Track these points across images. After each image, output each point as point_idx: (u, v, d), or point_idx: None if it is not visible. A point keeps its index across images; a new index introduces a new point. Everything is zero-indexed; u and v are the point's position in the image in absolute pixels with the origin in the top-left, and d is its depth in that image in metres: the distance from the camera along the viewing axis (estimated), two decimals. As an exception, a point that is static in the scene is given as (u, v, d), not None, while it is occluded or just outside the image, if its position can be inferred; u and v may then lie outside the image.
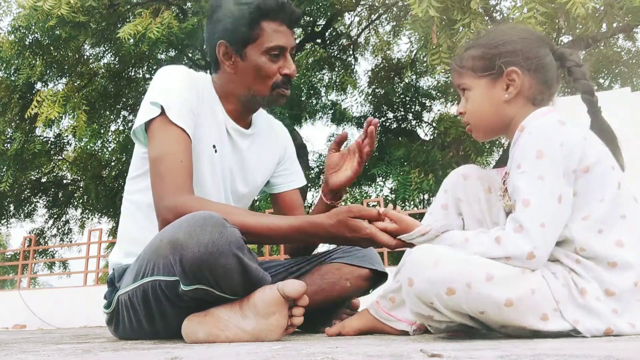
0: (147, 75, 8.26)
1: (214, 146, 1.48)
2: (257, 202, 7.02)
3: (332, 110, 8.87)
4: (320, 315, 1.57)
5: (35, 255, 9.11)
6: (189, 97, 1.42)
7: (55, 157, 9.90)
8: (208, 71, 1.74)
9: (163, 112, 1.36)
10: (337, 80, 8.47)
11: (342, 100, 9.15)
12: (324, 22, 8.21)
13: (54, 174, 10.59)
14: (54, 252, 10.98)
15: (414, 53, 8.29)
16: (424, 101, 9.00)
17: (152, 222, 1.34)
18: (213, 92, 1.53)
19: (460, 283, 0.94)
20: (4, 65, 7.22)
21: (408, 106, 9.07)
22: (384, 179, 8.70)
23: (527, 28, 1.24)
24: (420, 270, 0.98)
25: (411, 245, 1.14)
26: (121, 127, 8.98)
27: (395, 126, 9.22)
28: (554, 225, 0.98)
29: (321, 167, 9.58)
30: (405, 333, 1.30)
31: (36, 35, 6.81)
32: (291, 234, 1.29)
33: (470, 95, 1.18)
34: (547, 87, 1.14)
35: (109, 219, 10.51)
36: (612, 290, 0.97)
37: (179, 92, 1.41)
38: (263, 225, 1.28)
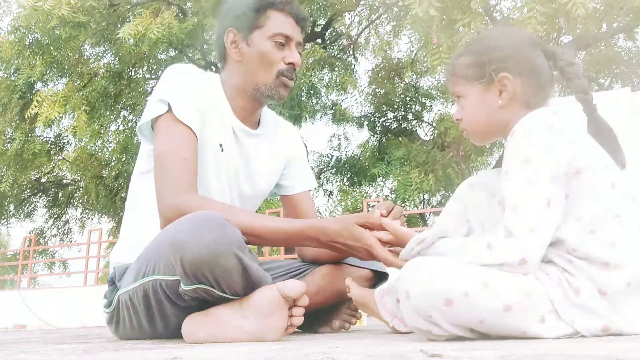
0: (147, 76, 8.26)
1: (220, 145, 1.48)
2: (257, 202, 7.01)
3: (332, 110, 8.88)
4: (321, 316, 1.57)
5: (35, 255, 9.10)
6: (197, 96, 1.42)
7: (55, 157, 9.91)
8: (211, 69, 1.73)
9: (170, 110, 1.36)
10: (337, 80, 8.47)
11: (342, 100, 9.17)
12: (324, 22, 8.22)
13: (54, 174, 10.60)
14: (54, 252, 10.98)
15: (414, 53, 8.30)
16: (424, 101, 9.00)
17: (156, 221, 1.34)
18: (221, 91, 1.53)
19: (457, 292, 0.94)
20: (4, 65, 7.23)
21: (408, 106, 9.08)
22: (384, 179, 8.70)
23: (517, 31, 1.24)
24: (416, 283, 0.98)
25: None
26: (121, 127, 8.98)
27: (395, 126, 9.23)
28: (544, 230, 0.98)
29: (321, 167, 9.59)
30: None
31: (36, 35, 6.81)
32: (292, 237, 1.29)
33: (465, 103, 1.19)
34: (540, 89, 1.14)
35: (109, 219, 10.51)
36: (604, 290, 0.97)
37: (186, 90, 1.41)
38: (264, 226, 1.28)
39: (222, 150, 1.48)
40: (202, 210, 1.18)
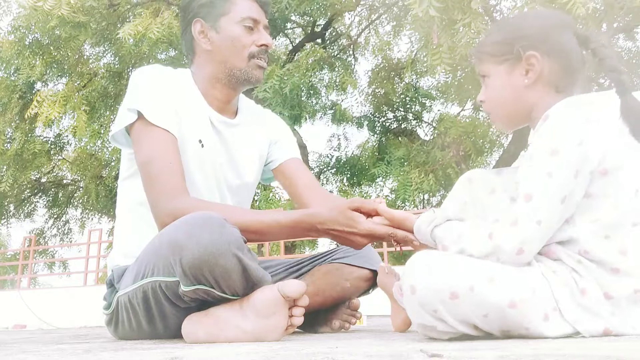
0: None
1: (200, 141, 1.47)
2: (257, 203, 7.02)
3: (332, 110, 8.87)
4: (320, 315, 1.57)
5: (35, 255, 9.10)
6: (168, 96, 1.42)
7: (55, 157, 9.91)
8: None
9: (143, 116, 1.35)
10: (337, 80, 8.46)
11: (342, 100, 9.16)
12: (324, 22, 8.21)
13: (54, 174, 10.59)
14: (54, 252, 10.99)
15: (414, 53, 8.29)
16: (424, 101, 8.99)
17: (147, 222, 1.34)
18: (194, 85, 1.52)
19: (462, 287, 0.94)
20: (4, 65, 7.22)
21: (408, 106, 9.07)
22: (384, 179, 8.70)
23: (550, 12, 1.19)
24: (422, 278, 0.97)
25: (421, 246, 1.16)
26: (121, 127, 8.96)
27: (395, 126, 9.22)
28: (551, 225, 0.97)
29: (321, 167, 9.59)
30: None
31: (36, 35, 6.81)
32: (290, 228, 1.29)
33: (489, 82, 1.15)
34: (569, 72, 1.09)
35: (109, 219, 10.51)
36: (610, 295, 0.96)
37: (156, 92, 1.40)
38: (261, 222, 1.28)
39: (202, 146, 1.47)
40: (199, 211, 1.18)
